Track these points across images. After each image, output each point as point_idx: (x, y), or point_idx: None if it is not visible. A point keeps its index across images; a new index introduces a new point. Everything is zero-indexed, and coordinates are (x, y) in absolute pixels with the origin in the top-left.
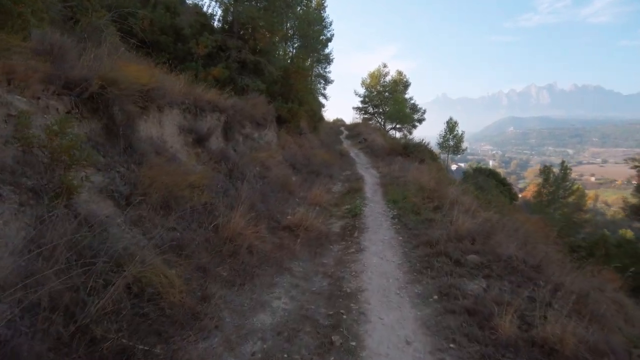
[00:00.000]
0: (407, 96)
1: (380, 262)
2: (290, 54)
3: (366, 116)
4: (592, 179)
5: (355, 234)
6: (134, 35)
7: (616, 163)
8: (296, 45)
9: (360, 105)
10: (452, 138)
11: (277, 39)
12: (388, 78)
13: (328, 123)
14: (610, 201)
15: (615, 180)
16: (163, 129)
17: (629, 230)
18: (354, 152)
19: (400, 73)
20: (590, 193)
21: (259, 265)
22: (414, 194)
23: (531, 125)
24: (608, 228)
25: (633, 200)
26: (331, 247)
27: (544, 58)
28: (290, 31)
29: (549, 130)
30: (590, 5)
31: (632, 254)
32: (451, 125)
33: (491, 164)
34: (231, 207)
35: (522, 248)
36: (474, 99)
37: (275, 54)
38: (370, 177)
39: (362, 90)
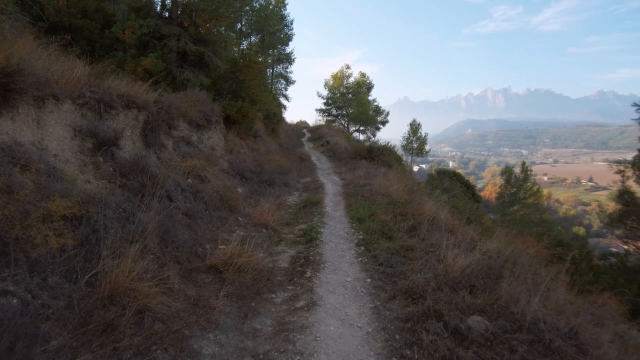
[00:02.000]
0: (370, 98)
1: (340, 329)
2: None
3: (329, 118)
4: (545, 178)
5: (308, 273)
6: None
7: (566, 163)
8: (253, 41)
9: (323, 107)
10: (415, 140)
11: (223, 27)
12: (351, 80)
13: (290, 125)
14: (561, 199)
15: (566, 179)
16: (43, 131)
17: (581, 228)
18: (315, 156)
19: (363, 75)
20: (544, 192)
21: (146, 349)
22: (383, 209)
23: (488, 128)
24: (561, 225)
25: (613, 206)
26: (273, 296)
27: (500, 63)
28: (244, 26)
29: (504, 132)
30: (541, 14)
31: (621, 269)
32: (415, 128)
33: (451, 164)
34: (131, 241)
35: (537, 294)
36: (434, 102)
37: (222, 45)
38: (332, 186)
39: (325, 92)
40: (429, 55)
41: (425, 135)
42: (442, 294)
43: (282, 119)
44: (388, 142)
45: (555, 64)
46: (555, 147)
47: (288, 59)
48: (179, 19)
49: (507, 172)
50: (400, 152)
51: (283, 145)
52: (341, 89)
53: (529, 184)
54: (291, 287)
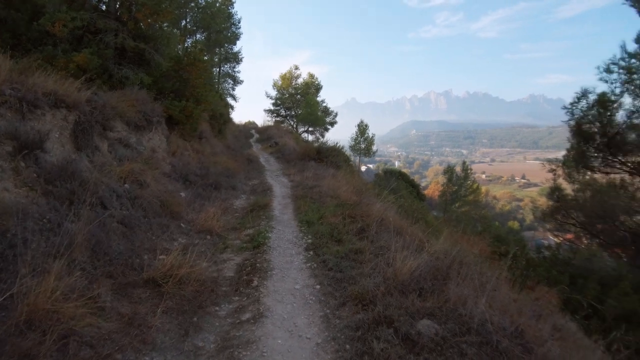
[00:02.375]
0: (319, 99)
1: (288, 342)
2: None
3: (278, 119)
4: (483, 176)
5: (255, 282)
6: None
7: (502, 161)
8: (198, 38)
9: (272, 107)
10: (363, 141)
11: (165, 23)
12: (300, 80)
13: (238, 126)
14: (498, 196)
15: (502, 177)
16: None
17: (515, 222)
18: (264, 157)
19: (312, 76)
20: (483, 189)
21: None
22: (332, 211)
23: (431, 128)
24: (498, 220)
25: (544, 202)
26: (217, 309)
27: (442, 67)
28: (189, 23)
29: (446, 132)
30: (480, 21)
31: (554, 262)
32: (362, 129)
33: (397, 164)
34: (56, 255)
35: (483, 294)
36: (381, 103)
37: (165, 42)
38: (280, 188)
39: (273, 92)
40: (375, 58)
41: (372, 136)
42: (392, 298)
43: (230, 120)
44: (336, 143)
45: (492, 69)
46: (492, 147)
47: (235, 58)
48: (118, 13)
49: (449, 171)
50: (348, 152)
51: (230, 147)
52: (290, 89)
53: (469, 182)
54: (237, 298)
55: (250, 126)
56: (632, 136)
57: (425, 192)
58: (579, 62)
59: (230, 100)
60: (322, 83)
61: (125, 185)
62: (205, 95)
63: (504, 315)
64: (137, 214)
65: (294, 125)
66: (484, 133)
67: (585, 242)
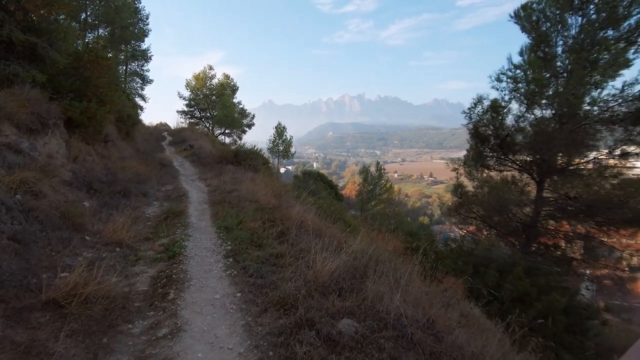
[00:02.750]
0: (235, 100)
1: (209, 355)
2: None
3: (193, 120)
4: (396, 175)
5: (171, 295)
6: None
7: (412, 161)
8: (101, 34)
9: (185, 108)
10: (281, 143)
11: (62, 15)
12: (214, 81)
13: (149, 128)
14: (409, 193)
15: (412, 176)
16: None
17: (426, 218)
18: (178, 161)
19: (227, 76)
20: (395, 188)
21: None
22: (251, 216)
23: (346, 130)
24: (410, 216)
25: (449, 198)
26: (130, 326)
27: (355, 71)
28: (90, 17)
29: (360, 134)
30: (388, 29)
31: (459, 253)
32: (280, 131)
33: (315, 165)
34: None
35: (398, 290)
36: (298, 105)
37: (61, 36)
38: (196, 193)
39: (187, 93)
40: (291, 61)
41: (290, 138)
42: (313, 300)
43: (139, 121)
44: (254, 146)
45: (401, 74)
46: (403, 148)
47: (144, 56)
48: (3, 2)
49: (364, 171)
50: (267, 154)
51: (140, 151)
52: (204, 90)
53: (383, 181)
54: (152, 313)
55: (162, 128)
56: (520, 138)
57: (343, 192)
58: (475, 71)
59: (139, 101)
60: (238, 84)
61: (17, 196)
62: (110, 95)
63: (417, 308)
64: (32, 229)
65: (210, 128)
66: (395, 135)
67: (485, 233)
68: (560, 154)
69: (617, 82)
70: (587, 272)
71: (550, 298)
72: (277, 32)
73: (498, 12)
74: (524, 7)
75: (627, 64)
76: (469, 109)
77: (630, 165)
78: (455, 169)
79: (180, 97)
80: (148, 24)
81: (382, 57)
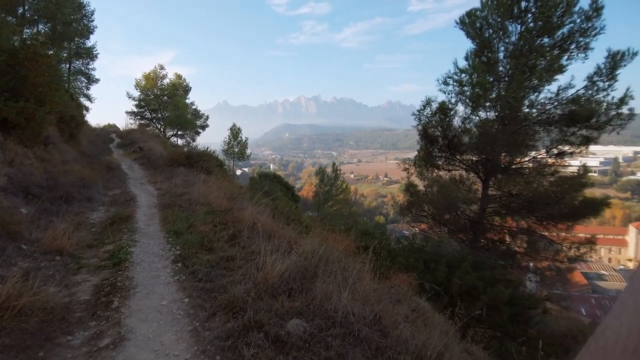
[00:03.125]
0: (188, 101)
1: None
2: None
3: (143, 121)
4: (352, 176)
5: (115, 303)
6: None
7: (367, 162)
8: (41, 30)
9: (135, 109)
10: (236, 144)
11: None
12: (166, 81)
13: (95, 129)
14: (365, 193)
15: (368, 176)
16: None
17: (381, 217)
18: (126, 164)
19: (179, 76)
20: (352, 188)
21: None
22: (202, 219)
23: (303, 132)
24: (366, 216)
25: (403, 197)
26: (70, 338)
27: (311, 72)
28: (28, 11)
29: (317, 135)
30: (342, 32)
31: (411, 250)
32: (235, 132)
33: (272, 167)
34: None
35: (346, 288)
36: (254, 107)
37: None
38: (146, 197)
39: (136, 93)
40: (246, 61)
41: (245, 140)
42: (263, 302)
43: (84, 123)
44: (208, 147)
45: (355, 76)
46: (359, 149)
47: (89, 54)
48: None
49: (320, 172)
50: (222, 156)
51: (85, 153)
52: (155, 90)
53: (339, 182)
54: (94, 323)
55: (110, 130)
56: (466, 139)
57: (300, 193)
58: (426, 74)
59: (84, 101)
60: (191, 84)
61: None
62: (50, 95)
63: (365, 305)
64: None
65: (162, 129)
66: (350, 136)
67: (437, 230)
68: (504, 154)
69: (553, 87)
70: (530, 264)
71: (495, 290)
72: (231, 32)
73: (447, 17)
74: (468, 14)
75: (561, 69)
76: (419, 111)
77: (566, 164)
78: (406, 169)
79: (130, 97)
80: (93, 21)
81: (337, 59)
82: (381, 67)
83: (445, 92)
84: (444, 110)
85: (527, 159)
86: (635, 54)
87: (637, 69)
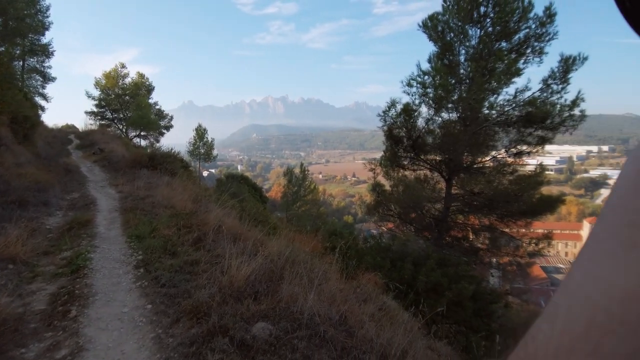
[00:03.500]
0: (151, 101)
1: None
2: None
3: (104, 122)
4: (320, 176)
5: (73, 312)
6: None
7: (335, 162)
8: None
9: (95, 109)
10: (202, 145)
11: None
12: (128, 80)
13: (52, 130)
14: (334, 193)
15: (336, 176)
16: None
17: (350, 216)
18: (86, 167)
19: (142, 75)
20: (320, 188)
21: None
22: (165, 223)
23: (271, 132)
24: (335, 216)
25: (370, 197)
26: (23, 350)
27: (278, 73)
28: None
29: (285, 136)
30: (309, 33)
31: (378, 249)
32: (201, 133)
33: (239, 168)
34: None
35: (312, 289)
36: (220, 107)
37: None
38: (106, 200)
39: (96, 92)
40: (212, 61)
41: (212, 140)
42: (228, 306)
43: (40, 123)
44: (172, 148)
45: (323, 77)
46: (327, 149)
47: (44, 51)
48: None
49: (288, 173)
50: (187, 158)
51: (41, 156)
52: (116, 89)
53: (307, 182)
54: (50, 333)
55: (69, 131)
56: (430, 139)
57: (269, 194)
58: (392, 75)
59: (40, 101)
60: (154, 84)
61: None
62: (1, 94)
63: (332, 306)
64: None
65: (123, 130)
66: (318, 136)
67: (403, 229)
68: (466, 154)
69: (511, 89)
70: (493, 260)
71: (459, 286)
72: (196, 30)
73: (411, 21)
74: (430, 17)
75: (518, 72)
76: (384, 112)
77: (524, 163)
78: (372, 169)
79: (89, 96)
80: (49, 16)
81: (305, 59)
82: (348, 68)
83: (409, 94)
84: (408, 111)
85: (487, 158)
86: (585, 58)
87: (588, 72)
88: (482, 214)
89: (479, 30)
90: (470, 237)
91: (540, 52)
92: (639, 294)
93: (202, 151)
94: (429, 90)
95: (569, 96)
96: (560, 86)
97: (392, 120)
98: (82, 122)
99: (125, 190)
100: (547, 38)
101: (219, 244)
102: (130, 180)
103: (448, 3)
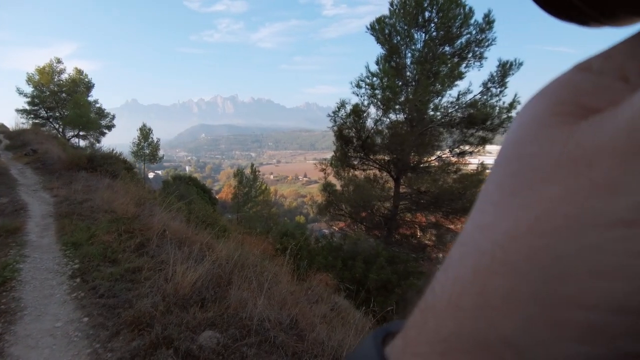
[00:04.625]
0: (91, 99)
1: None
2: None
3: (38, 121)
4: (271, 176)
5: None
6: None
7: (287, 162)
8: None
9: (27, 107)
10: (147, 146)
11: None
12: (64, 76)
13: None
14: (285, 194)
15: (287, 176)
16: None
17: (302, 217)
18: (17, 169)
19: (79, 72)
20: (272, 189)
21: None
22: (105, 228)
23: (220, 132)
24: (287, 217)
25: (322, 197)
26: None
27: (227, 72)
28: None
29: (235, 136)
30: (259, 32)
31: (329, 249)
32: (145, 133)
33: (187, 169)
34: None
35: (262, 294)
36: (166, 106)
37: None
38: (39, 205)
39: (29, 89)
40: (157, 58)
41: (157, 141)
42: (172, 316)
43: None
44: (113, 149)
45: (273, 77)
46: (278, 150)
47: None
48: None
49: (238, 174)
50: (131, 159)
51: None
52: (52, 86)
53: (258, 183)
54: None
55: None
56: (378, 139)
57: (219, 195)
58: (342, 76)
59: None
60: (94, 81)
61: None
62: None
63: (282, 309)
64: None
65: (60, 129)
66: (269, 137)
67: (354, 228)
68: (413, 154)
69: (454, 91)
70: (440, 255)
71: (408, 283)
72: (140, 25)
73: (360, 23)
74: (378, 20)
75: (460, 76)
76: (334, 112)
77: (467, 162)
78: (323, 169)
79: (21, 93)
80: None
81: (255, 59)
82: (299, 69)
83: (358, 95)
84: (357, 112)
85: (433, 158)
86: (521, 64)
87: (523, 77)
88: (429, 211)
89: (424, 34)
90: (418, 234)
91: (481, 57)
92: (515, 236)
93: (147, 152)
94: (377, 91)
95: (507, 99)
96: (499, 89)
97: (342, 121)
98: (12, 121)
99: (61, 194)
100: (486, 44)
101: (164, 249)
102: (66, 183)
103: (395, 7)
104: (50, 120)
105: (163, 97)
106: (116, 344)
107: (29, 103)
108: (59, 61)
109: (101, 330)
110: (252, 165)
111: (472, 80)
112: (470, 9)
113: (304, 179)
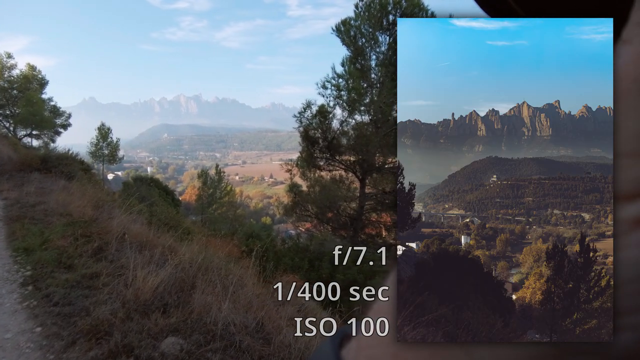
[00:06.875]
0: (44, 96)
1: None
2: None
3: None
4: (237, 177)
5: None
6: None
7: (252, 163)
8: None
9: None
10: (106, 146)
11: None
12: (16, 72)
13: None
14: (251, 195)
15: (253, 177)
16: None
17: (268, 218)
18: None
19: (32, 67)
20: (237, 190)
21: None
22: (60, 232)
23: (184, 132)
24: (253, 218)
25: (288, 198)
26: None
27: (191, 71)
28: None
29: (199, 136)
30: (223, 31)
31: (296, 250)
32: (104, 132)
33: (149, 170)
34: None
35: (226, 298)
36: (127, 105)
37: None
38: None
39: None
40: (117, 54)
41: (117, 141)
42: (133, 323)
43: None
44: (69, 150)
45: (238, 77)
46: (243, 150)
47: None
48: None
49: (203, 175)
50: (89, 160)
51: None
52: (2, 82)
53: (223, 184)
54: None
55: None
56: (344, 140)
57: (182, 197)
58: (307, 77)
59: None
60: (48, 77)
61: None
62: None
63: (248, 313)
64: None
65: (11, 128)
66: (234, 137)
67: (320, 229)
68: (377, 154)
69: None
70: None
71: (374, 282)
72: (98, 20)
73: (325, 25)
74: (343, 22)
75: None
76: (299, 113)
77: None
78: (288, 170)
79: None
80: None
81: (219, 58)
82: (264, 69)
83: (324, 96)
84: (323, 113)
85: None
86: None
87: None
88: (394, 211)
89: (388, 37)
90: (384, 234)
91: None
92: None
93: (106, 152)
94: (342, 93)
95: None
96: None
97: (308, 122)
98: None
99: (12, 197)
100: None
101: (124, 253)
102: (18, 185)
103: (360, 9)
104: (0, 118)
105: (123, 96)
106: (72, 354)
107: None
108: (9, 56)
109: (56, 340)
110: (217, 166)
111: None
112: (432, 13)
113: (270, 179)
